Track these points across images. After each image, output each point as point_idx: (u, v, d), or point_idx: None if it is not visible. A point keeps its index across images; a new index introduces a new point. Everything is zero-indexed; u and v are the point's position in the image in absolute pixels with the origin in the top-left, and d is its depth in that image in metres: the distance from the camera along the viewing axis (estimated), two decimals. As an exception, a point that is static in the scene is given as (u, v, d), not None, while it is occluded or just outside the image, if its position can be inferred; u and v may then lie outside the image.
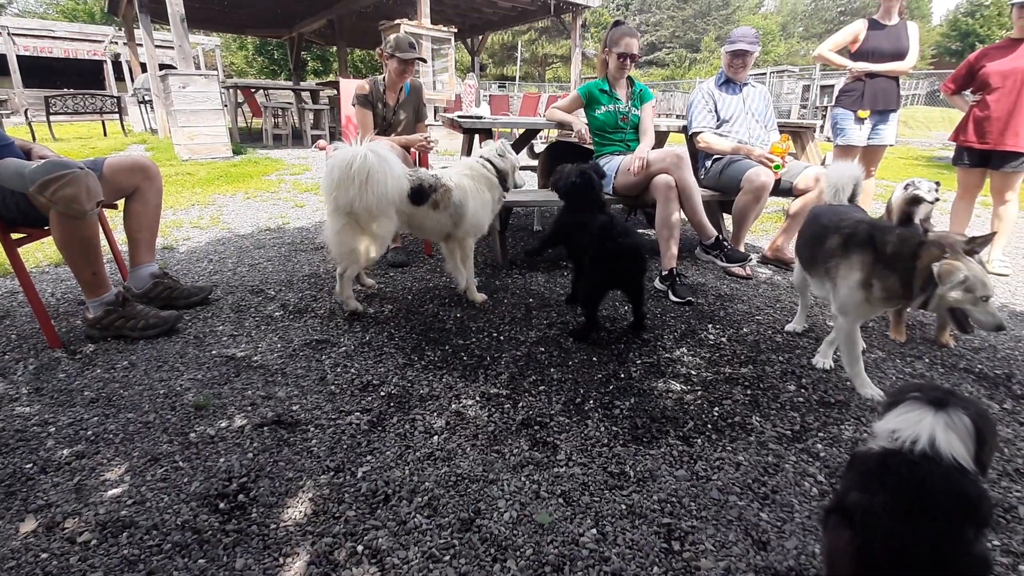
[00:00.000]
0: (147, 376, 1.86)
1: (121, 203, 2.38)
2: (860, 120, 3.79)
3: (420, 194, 2.34)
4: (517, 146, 3.98)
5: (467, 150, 3.76)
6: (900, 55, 3.70)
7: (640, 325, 2.30)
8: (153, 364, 1.94)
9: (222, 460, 1.44)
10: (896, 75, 3.76)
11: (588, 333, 2.23)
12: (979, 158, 3.38)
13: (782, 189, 3.17)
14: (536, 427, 1.63)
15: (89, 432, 1.55)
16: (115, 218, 2.75)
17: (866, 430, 1.66)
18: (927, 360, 2.16)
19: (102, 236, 2.19)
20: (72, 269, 2.06)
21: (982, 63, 3.31)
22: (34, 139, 9.04)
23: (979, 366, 2.12)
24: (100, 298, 2.09)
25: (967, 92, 3.50)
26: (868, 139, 3.85)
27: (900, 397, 0.95)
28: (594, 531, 1.24)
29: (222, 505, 1.29)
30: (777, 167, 3.05)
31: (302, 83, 13.95)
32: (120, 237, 2.78)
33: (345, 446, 1.51)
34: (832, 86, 12.70)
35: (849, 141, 3.86)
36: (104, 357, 1.99)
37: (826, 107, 12.80)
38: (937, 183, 3.08)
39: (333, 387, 1.82)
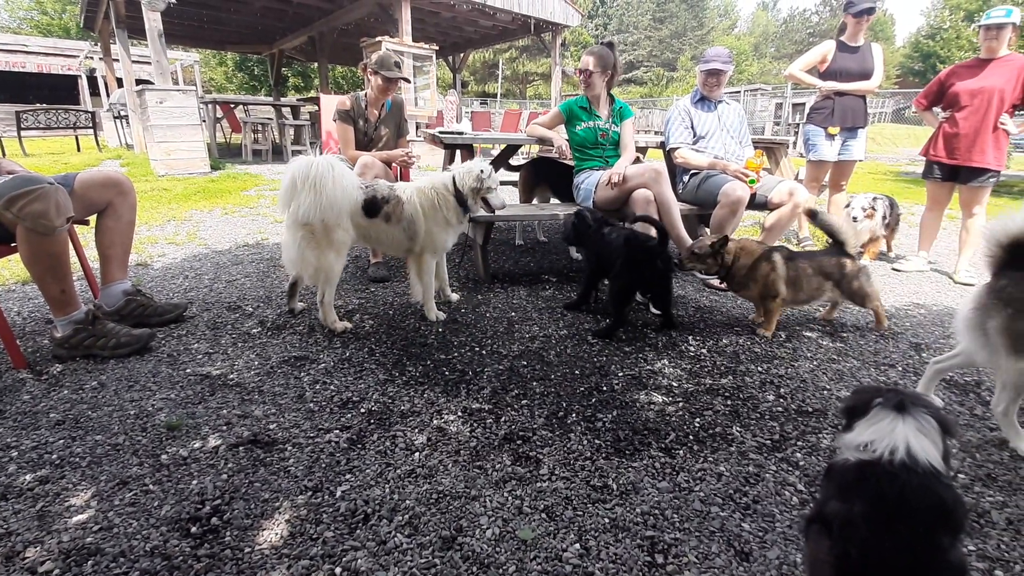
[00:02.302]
0: (117, 396, 1.80)
1: (93, 219, 2.33)
2: (830, 136, 3.92)
3: (373, 206, 2.35)
4: (497, 162, 4.01)
5: (449, 166, 3.77)
6: (866, 75, 3.85)
7: (670, 323, 2.55)
8: (124, 384, 1.88)
9: (195, 482, 1.40)
10: (863, 94, 3.90)
11: (615, 331, 2.43)
12: (948, 172, 3.50)
13: (757, 203, 3.25)
14: (519, 442, 1.61)
15: (54, 456, 1.49)
16: (87, 234, 2.69)
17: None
18: (900, 368, 2.21)
19: (72, 253, 2.14)
20: (39, 286, 2.00)
21: (951, 81, 3.44)
22: (3, 154, 8.82)
23: (950, 374, 2.17)
24: (69, 316, 2.03)
25: (937, 108, 3.64)
26: (838, 155, 3.98)
27: (863, 406, 0.97)
28: (577, 546, 1.22)
29: (194, 529, 1.24)
30: (752, 181, 3.12)
31: (282, 99, 13.91)
32: (91, 254, 2.71)
33: (324, 465, 1.48)
34: (803, 104, 13.12)
35: (821, 156, 3.98)
36: (72, 377, 1.92)
37: (798, 124, 13.21)
38: (874, 197, 3.58)
39: (312, 405, 1.78)
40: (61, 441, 1.56)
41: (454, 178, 2.49)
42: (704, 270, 2.59)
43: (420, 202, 2.45)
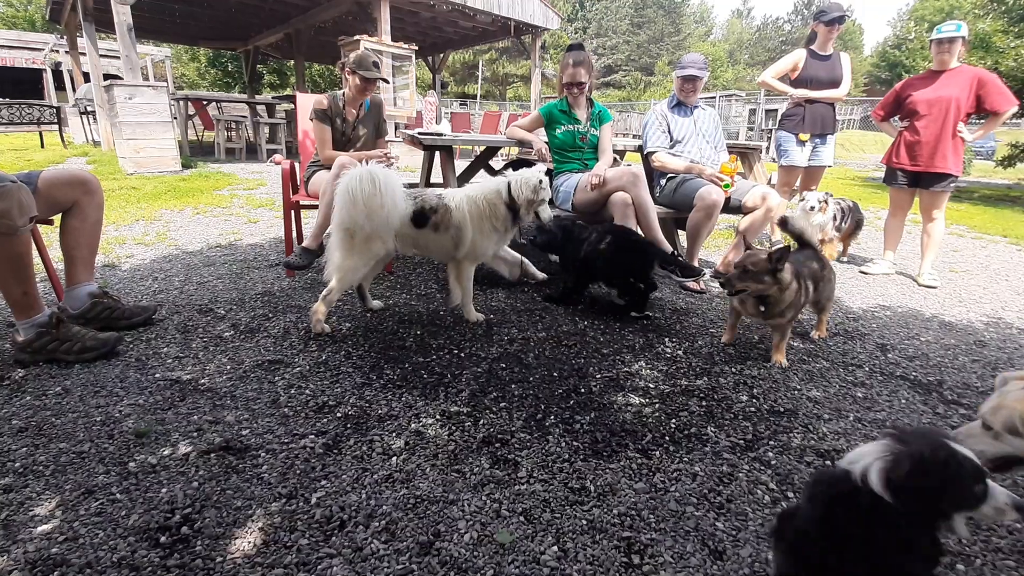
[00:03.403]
0: (82, 403, 1.74)
1: (58, 219, 2.25)
2: (801, 143, 4.03)
3: (422, 216, 2.32)
4: (477, 164, 4.01)
5: (427, 167, 3.76)
6: (835, 83, 3.97)
7: (642, 308, 2.68)
8: (89, 390, 1.82)
9: (164, 490, 1.36)
10: (832, 101, 4.02)
11: (567, 298, 2.71)
12: (911, 178, 3.64)
13: (732, 207, 3.32)
14: (497, 444, 1.62)
15: (16, 464, 1.44)
16: (51, 234, 2.60)
17: (813, 437, 1.73)
18: (867, 368, 2.28)
19: (36, 254, 2.06)
20: (0, 289, 1.93)
21: (908, 92, 3.60)
22: (-39, 150, 8.46)
23: (914, 373, 2.25)
24: (31, 320, 1.96)
25: (895, 119, 3.79)
26: (809, 160, 4.09)
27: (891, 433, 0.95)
28: (555, 548, 1.23)
29: (163, 539, 1.21)
30: (727, 186, 3.19)
31: (257, 96, 13.65)
32: (56, 254, 2.62)
33: (298, 471, 1.46)
34: (776, 110, 13.45)
35: (792, 162, 4.09)
36: (35, 383, 1.85)
37: (771, 130, 13.52)
38: (828, 194, 3.72)
39: (286, 409, 1.76)
40: (24, 449, 1.50)
41: (509, 186, 2.40)
42: (759, 292, 2.08)
43: (469, 210, 2.39)
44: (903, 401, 2.02)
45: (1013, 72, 8.76)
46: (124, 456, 1.49)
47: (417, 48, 9.89)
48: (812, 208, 3.70)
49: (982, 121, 3.69)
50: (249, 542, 1.21)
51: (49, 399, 1.76)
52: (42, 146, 10.27)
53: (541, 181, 2.40)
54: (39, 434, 1.57)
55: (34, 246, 2.04)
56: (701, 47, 43.33)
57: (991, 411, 1.17)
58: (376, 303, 2.66)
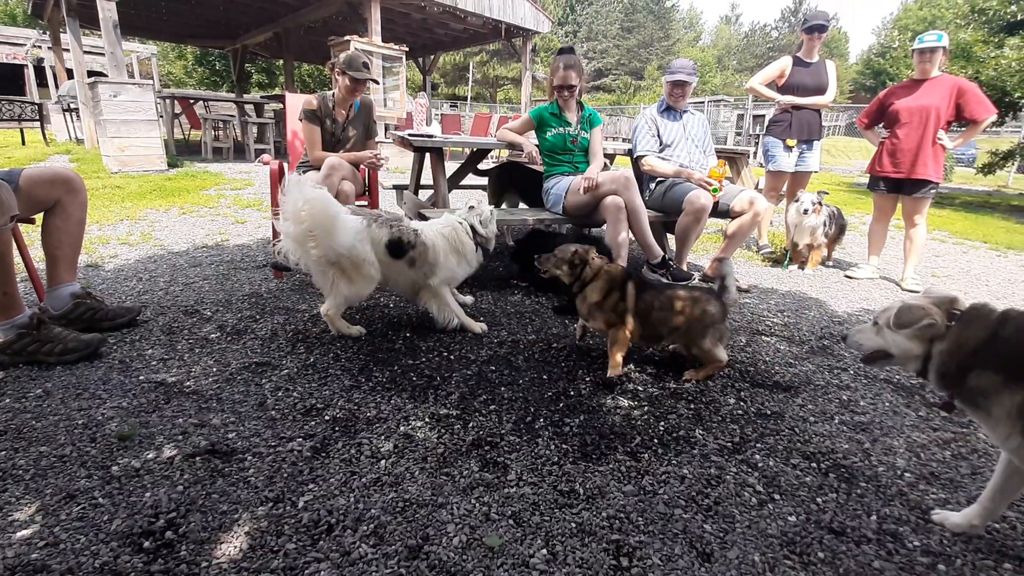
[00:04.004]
0: (64, 405, 1.71)
1: (39, 218, 2.21)
2: (788, 148, 4.08)
3: (399, 248, 2.27)
4: (467, 166, 4.00)
5: (418, 169, 3.75)
6: (821, 90, 4.03)
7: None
8: (71, 392, 1.79)
9: (148, 495, 1.34)
10: (818, 108, 4.09)
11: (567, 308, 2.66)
12: (893, 185, 3.71)
13: (720, 211, 3.35)
14: (487, 447, 1.61)
15: (-7, 469, 1.41)
16: (32, 233, 2.55)
17: (799, 440, 1.75)
18: (852, 372, 2.31)
19: (16, 253, 2.02)
20: (-21, 289, 1.89)
21: (891, 100, 3.67)
22: (-61, 146, 8.27)
23: (897, 376, 2.29)
24: (11, 320, 1.92)
25: (879, 127, 3.86)
26: (795, 166, 4.15)
27: None
28: (544, 551, 1.23)
29: (147, 544, 1.19)
30: (715, 190, 3.22)
31: (245, 95, 13.52)
32: (37, 254, 2.57)
33: (285, 475, 1.44)
34: (764, 116, 13.61)
35: (779, 167, 4.14)
36: (15, 385, 1.82)
37: (759, 135, 13.69)
38: (821, 193, 3.77)
39: (273, 412, 1.74)
40: (3, 452, 1.47)
41: (473, 227, 2.47)
42: (556, 276, 2.23)
43: (442, 247, 2.39)
44: (887, 404, 2.05)
45: (993, 81, 8.96)
46: (107, 460, 1.46)
47: (407, 49, 9.87)
48: (806, 211, 3.72)
49: (963, 129, 3.77)
50: (235, 547, 1.20)
51: (29, 402, 1.72)
52: (23, 143, 10.07)
53: (492, 212, 2.57)
54: (19, 437, 1.54)
55: (15, 245, 1.99)
56: (690, 52, 43.76)
57: (881, 312, 1.35)
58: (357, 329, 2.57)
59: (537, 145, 3.32)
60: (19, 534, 1.20)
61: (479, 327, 2.49)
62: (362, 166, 3.27)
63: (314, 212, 2.05)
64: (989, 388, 1.14)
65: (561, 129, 3.23)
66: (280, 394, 1.85)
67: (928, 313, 1.22)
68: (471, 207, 2.53)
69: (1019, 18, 10.12)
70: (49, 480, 1.38)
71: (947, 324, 1.22)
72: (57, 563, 1.13)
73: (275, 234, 3.24)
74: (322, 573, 1.14)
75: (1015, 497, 1.32)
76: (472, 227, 2.47)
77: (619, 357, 2.08)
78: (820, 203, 3.78)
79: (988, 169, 11.20)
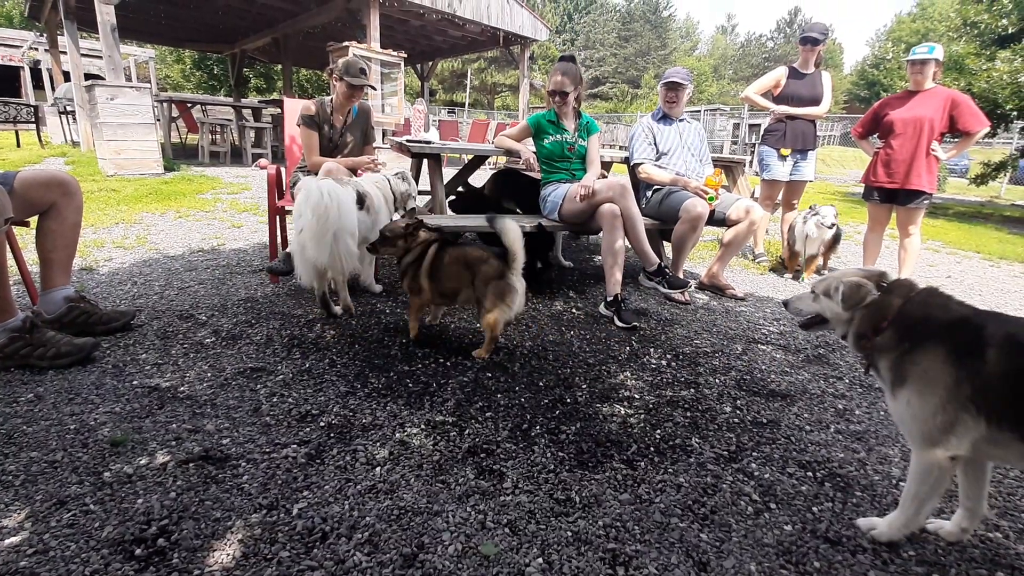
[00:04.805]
0: (56, 410, 1.69)
1: (34, 220, 2.20)
2: (783, 157, 4.11)
3: (361, 200, 2.56)
4: (465, 172, 4.01)
5: (415, 175, 3.75)
6: (816, 100, 4.07)
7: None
8: (64, 396, 1.77)
9: (140, 501, 1.33)
10: (813, 118, 4.12)
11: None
12: (887, 195, 3.74)
13: (716, 219, 3.36)
14: (482, 455, 1.61)
15: (-17, 475, 1.39)
16: (26, 235, 2.53)
17: (795, 448, 1.75)
18: (847, 380, 2.32)
19: (10, 256, 2.01)
20: (-29, 292, 1.87)
21: (885, 111, 3.70)
22: (-67, 148, 8.22)
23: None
24: (4, 324, 1.90)
25: (874, 137, 3.89)
26: (790, 175, 4.18)
27: None
28: (540, 560, 1.22)
29: (139, 551, 1.18)
30: (711, 199, 3.23)
31: (243, 100, 13.53)
32: (31, 257, 2.55)
33: (280, 481, 1.43)
34: (759, 125, 13.72)
35: (774, 176, 4.17)
36: (6, 389, 1.80)
37: (754, 144, 13.79)
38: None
39: (268, 418, 1.73)
40: (-9, 459, 1.45)
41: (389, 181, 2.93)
42: (389, 253, 2.42)
43: (376, 194, 2.78)
44: (882, 413, 2.05)
45: (985, 93, 9.07)
46: (99, 465, 1.45)
47: (406, 56, 9.90)
48: (832, 225, 3.74)
49: (956, 140, 3.81)
50: (228, 554, 1.18)
51: (20, 406, 1.71)
52: (18, 145, 10.02)
53: (407, 174, 3.04)
54: (9, 442, 1.52)
55: (8, 248, 1.98)
56: (687, 61, 44.15)
57: (818, 281, 1.49)
58: (337, 308, 2.69)
59: (535, 152, 3.33)
60: (7, 541, 1.18)
61: (378, 287, 3.03)
62: (360, 172, 3.27)
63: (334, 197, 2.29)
64: (884, 345, 1.30)
65: (559, 136, 3.24)
66: (275, 400, 1.84)
67: (871, 291, 1.37)
68: (396, 173, 2.98)
69: (1010, 32, 10.27)
70: (39, 486, 1.36)
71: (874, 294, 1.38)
72: (46, 571, 1.12)
73: (272, 238, 3.25)
74: (316, 582, 1.13)
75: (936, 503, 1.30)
76: (389, 181, 2.89)
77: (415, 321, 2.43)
78: (837, 215, 3.82)
79: (981, 180, 11.31)
